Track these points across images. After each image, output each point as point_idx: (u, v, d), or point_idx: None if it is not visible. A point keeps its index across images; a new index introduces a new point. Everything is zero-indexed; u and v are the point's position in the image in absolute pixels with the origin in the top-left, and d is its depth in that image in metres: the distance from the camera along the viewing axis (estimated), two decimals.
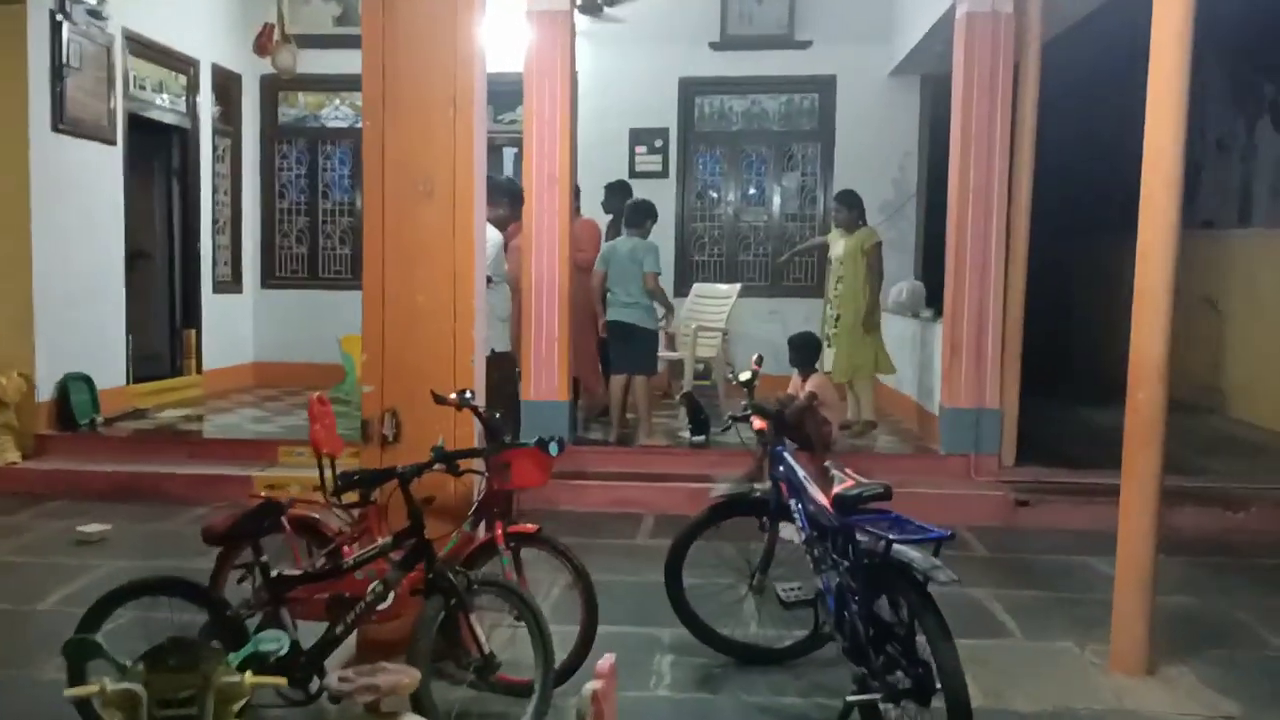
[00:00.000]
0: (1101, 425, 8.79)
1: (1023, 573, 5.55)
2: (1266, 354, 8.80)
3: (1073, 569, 5.61)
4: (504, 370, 6.04)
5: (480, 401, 4.05)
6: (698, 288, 9.43)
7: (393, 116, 4.11)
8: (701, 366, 9.06)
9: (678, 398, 7.86)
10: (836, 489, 3.34)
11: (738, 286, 9.17)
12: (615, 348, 7.29)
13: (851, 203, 8.11)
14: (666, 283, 10.13)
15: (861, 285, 7.89)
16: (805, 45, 10.21)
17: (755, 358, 4.46)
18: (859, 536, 3.25)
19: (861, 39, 10.07)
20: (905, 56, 9.56)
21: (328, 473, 3.99)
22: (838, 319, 8.00)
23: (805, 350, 6.91)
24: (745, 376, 4.28)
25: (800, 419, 6.49)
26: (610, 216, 8.46)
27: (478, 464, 3.84)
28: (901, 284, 9.46)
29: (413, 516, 3.44)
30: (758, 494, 4.08)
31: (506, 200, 6.48)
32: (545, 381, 7.20)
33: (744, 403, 4.20)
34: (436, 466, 3.55)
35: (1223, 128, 9.87)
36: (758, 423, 4.05)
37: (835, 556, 3.44)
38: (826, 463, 3.74)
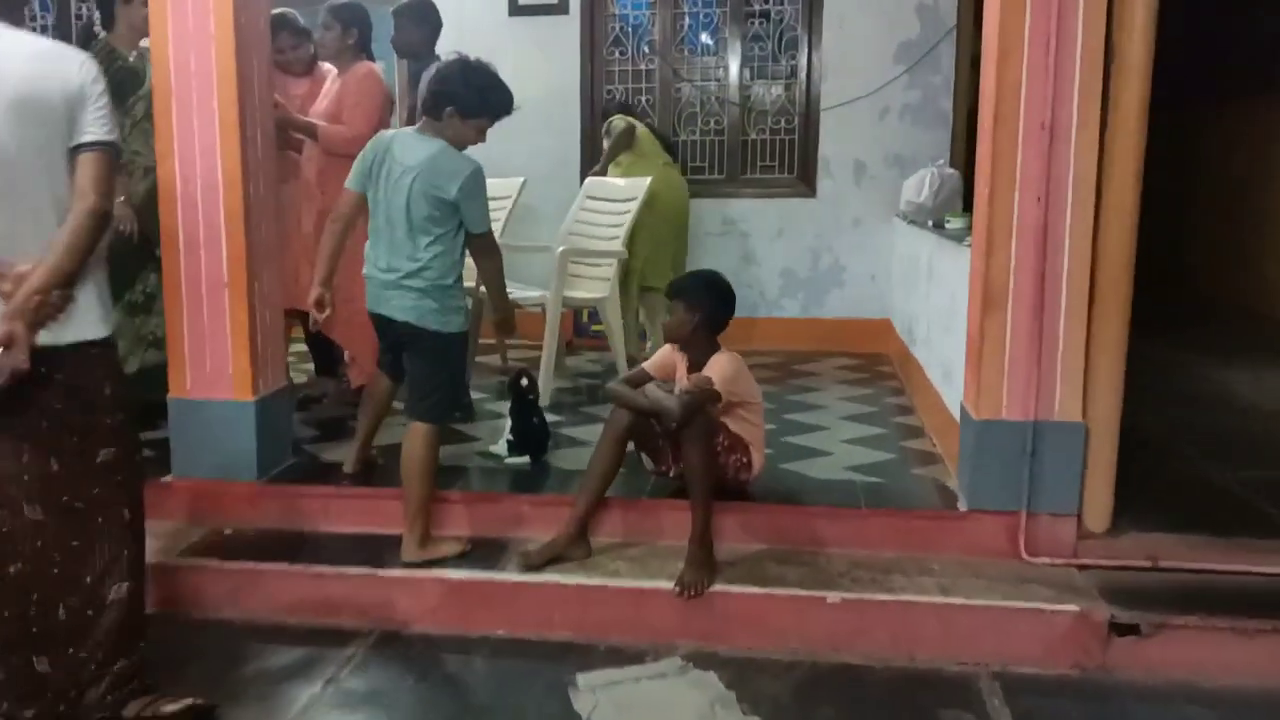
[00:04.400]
0: (1252, 407, 5.10)
1: None
2: None
3: None
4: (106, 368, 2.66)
5: None
6: (589, 184, 5.85)
7: None
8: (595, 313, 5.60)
9: (508, 381, 4.41)
10: None
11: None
12: (385, 347, 3.80)
13: None
14: (557, 186, 6.38)
15: None
16: None
17: None
18: None
19: None
20: None
21: None
22: None
23: (699, 298, 3.56)
24: None
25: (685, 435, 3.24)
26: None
27: None
28: (923, 172, 5.88)
29: None
30: None
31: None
32: (211, 364, 3.81)
33: None
34: None
35: None
36: None
37: None
38: None
